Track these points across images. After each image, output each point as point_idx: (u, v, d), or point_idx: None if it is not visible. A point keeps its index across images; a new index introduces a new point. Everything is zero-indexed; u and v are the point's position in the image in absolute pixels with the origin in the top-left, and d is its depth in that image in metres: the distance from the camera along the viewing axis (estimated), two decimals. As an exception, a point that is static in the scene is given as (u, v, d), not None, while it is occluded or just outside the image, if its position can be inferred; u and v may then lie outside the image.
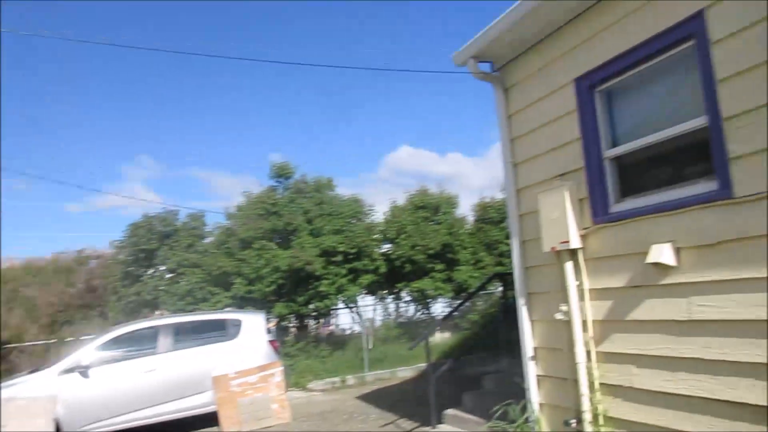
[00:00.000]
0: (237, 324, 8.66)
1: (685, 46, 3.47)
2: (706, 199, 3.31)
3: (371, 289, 14.36)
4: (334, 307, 14.26)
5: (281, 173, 14.58)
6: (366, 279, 13.37)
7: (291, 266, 12.41)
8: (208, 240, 14.54)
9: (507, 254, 13.99)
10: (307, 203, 13.90)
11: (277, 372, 8.12)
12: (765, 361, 2.98)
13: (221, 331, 8.57)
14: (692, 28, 3.37)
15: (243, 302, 12.50)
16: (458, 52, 4.99)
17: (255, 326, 8.71)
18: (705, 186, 3.37)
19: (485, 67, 5.08)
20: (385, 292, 14.96)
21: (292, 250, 12.77)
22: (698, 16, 3.32)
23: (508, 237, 14.17)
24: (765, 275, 2.99)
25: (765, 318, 2.98)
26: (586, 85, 4.15)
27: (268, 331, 8.97)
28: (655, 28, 3.57)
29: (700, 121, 3.38)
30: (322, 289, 12.70)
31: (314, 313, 14.04)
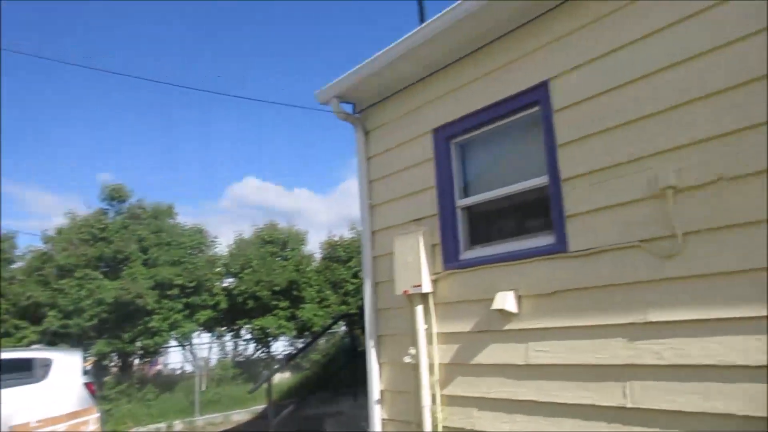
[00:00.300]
0: (46, 364, 7.50)
1: (532, 110, 3.81)
2: (545, 252, 3.60)
3: (209, 326, 13.50)
4: (165, 345, 13.11)
5: (114, 196, 13.30)
6: (204, 315, 12.56)
7: (118, 299, 11.22)
8: (17, 265, 12.62)
9: (353, 294, 14.11)
10: (142, 230, 12.79)
11: (92, 419, 7.15)
12: (591, 402, 3.25)
13: (27, 372, 7.35)
14: (538, 96, 3.72)
15: (56, 338, 10.96)
16: (322, 90, 4.99)
17: (68, 366, 7.62)
18: (545, 240, 3.68)
19: (348, 107, 5.13)
20: (223, 329, 14.17)
21: (121, 281, 11.58)
22: (543, 86, 3.68)
23: (354, 276, 14.36)
24: (592, 323, 3.29)
25: (592, 363, 3.26)
26: (444, 136, 4.37)
27: (85, 371, 7.90)
28: (508, 91, 3.88)
29: (542, 180, 3.71)
30: (153, 324, 11.64)
31: (141, 352, 12.76)
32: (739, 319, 2.73)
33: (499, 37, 3.95)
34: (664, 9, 3.10)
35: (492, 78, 4.01)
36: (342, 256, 14.99)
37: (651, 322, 3.03)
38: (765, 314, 2.64)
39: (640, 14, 3.20)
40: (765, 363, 2.62)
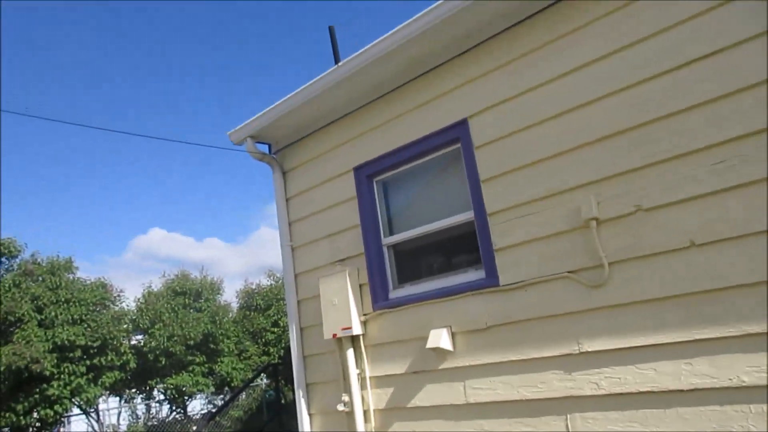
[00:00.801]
0: None
1: (454, 147, 3.83)
2: (476, 287, 3.56)
3: (116, 389, 12.39)
4: (67, 414, 11.85)
5: (3, 252, 12.08)
6: (110, 377, 11.53)
7: (10, 366, 10.03)
8: None
9: (274, 343, 13.54)
10: (37, 288, 11.65)
11: None
12: (531, 439, 3.18)
13: None
14: (459, 133, 3.75)
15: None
16: (235, 130, 4.79)
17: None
18: (475, 274, 3.64)
19: (264, 147, 4.96)
20: (133, 391, 13.05)
21: (13, 345, 10.39)
22: (463, 123, 3.72)
23: (275, 325, 13.84)
24: (528, 357, 3.25)
25: (531, 397, 3.21)
26: (366, 174, 4.29)
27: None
28: (429, 128, 3.89)
29: (468, 215, 3.70)
30: (51, 392, 10.50)
31: (38, 424, 11.43)
32: (669, 344, 2.79)
33: (418, 76, 3.98)
34: (575, 52, 3.24)
35: (413, 116, 4.01)
36: (260, 305, 14.41)
37: (586, 352, 3.04)
38: (691, 339, 2.71)
39: (554, 56, 3.32)
40: (697, 386, 2.68)
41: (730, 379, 2.60)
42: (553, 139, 3.28)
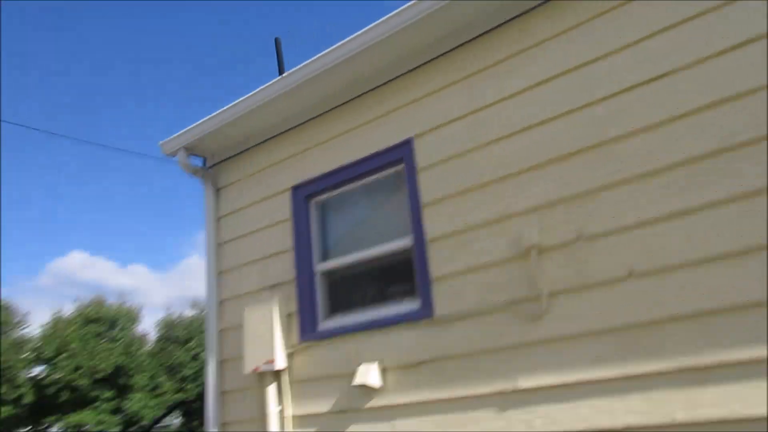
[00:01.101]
0: None
1: (396, 168, 3.69)
2: (410, 318, 3.36)
3: (8, 427, 11.14)
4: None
5: None
6: (2, 412, 10.34)
7: None
8: None
9: (191, 378, 12.71)
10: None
11: None
12: (462, 484, 2.96)
13: None
14: (402, 153, 3.62)
15: None
16: (169, 140, 4.48)
17: None
18: (409, 305, 3.45)
19: (198, 161, 4.66)
20: (27, 429, 11.79)
21: None
22: (407, 144, 3.59)
23: (195, 358, 13.02)
24: (462, 394, 3.07)
25: (463, 438, 3.01)
26: (303, 194, 4.07)
27: None
28: (372, 148, 3.74)
29: (406, 242, 3.53)
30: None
31: None
32: (604, 380, 2.68)
33: (362, 93, 3.85)
34: (523, 73, 3.20)
35: (355, 134, 3.86)
36: (181, 337, 13.58)
37: (521, 390, 2.89)
38: (626, 374, 2.62)
39: (504, 76, 3.27)
40: (630, 424, 2.56)
41: (663, 417, 2.50)
42: (499, 161, 3.19)
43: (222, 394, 4.21)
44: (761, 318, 2.36)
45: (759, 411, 2.30)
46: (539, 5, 3.19)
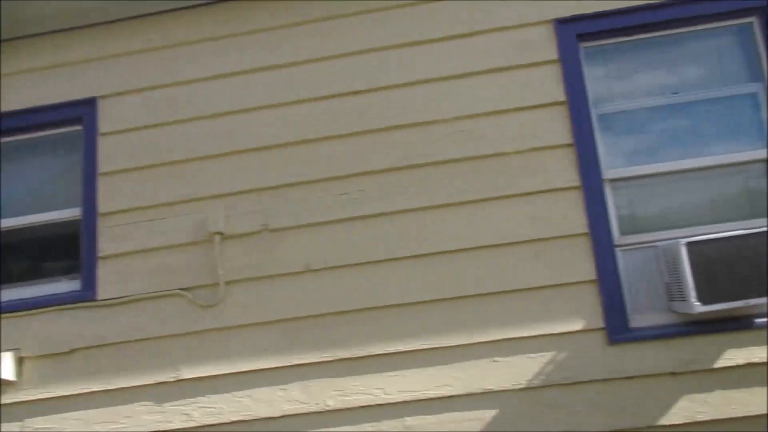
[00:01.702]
0: None
1: (76, 128, 3.16)
2: (67, 300, 2.91)
3: None
4: None
5: None
6: None
7: None
8: None
9: None
10: None
11: None
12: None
13: None
14: (82, 112, 3.12)
15: None
16: None
17: None
18: (68, 285, 2.99)
19: None
20: None
21: None
22: (91, 103, 3.11)
23: None
24: (118, 386, 2.77)
25: (112, 435, 2.70)
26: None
27: None
28: (53, 97, 3.14)
29: (75, 212, 3.05)
30: None
31: None
32: (268, 370, 2.71)
33: (52, 32, 3.20)
34: (240, 57, 3.04)
35: (39, 77, 3.19)
36: None
37: (183, 380, 2.75)
38: (289, 364, 2.70)
39: (205, 57, 3.08)
40: (287, 412, 2.65)
41: (317, 404, 2.65)
42: (195, 141, 2.99)
43: None
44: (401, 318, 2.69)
45: (395, 397, 2.61)
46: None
